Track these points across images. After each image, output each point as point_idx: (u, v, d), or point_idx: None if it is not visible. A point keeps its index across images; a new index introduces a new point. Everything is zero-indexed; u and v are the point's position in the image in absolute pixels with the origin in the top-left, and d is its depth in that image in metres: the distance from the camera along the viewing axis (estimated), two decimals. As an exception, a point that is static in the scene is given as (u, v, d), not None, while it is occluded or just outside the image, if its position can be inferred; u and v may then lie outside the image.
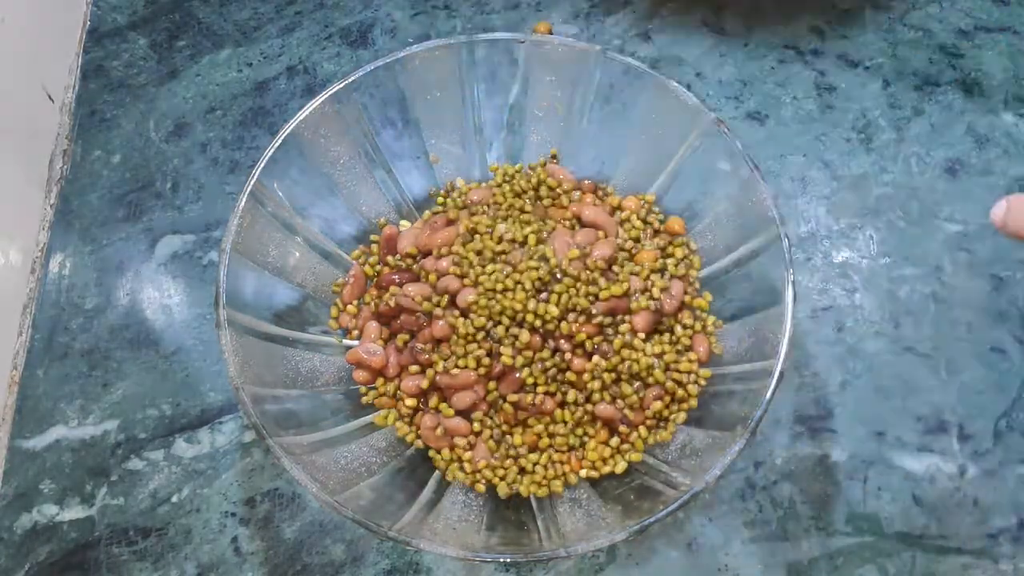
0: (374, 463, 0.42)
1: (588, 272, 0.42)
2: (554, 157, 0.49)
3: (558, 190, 0.47)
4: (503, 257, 0.43)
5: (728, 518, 0.44)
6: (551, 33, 0.58)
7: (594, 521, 0.39)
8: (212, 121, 0.57)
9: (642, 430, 0.42)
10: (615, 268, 0.44)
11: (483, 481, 0.42)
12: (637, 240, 0.46)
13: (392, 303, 0.44)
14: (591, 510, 0.40)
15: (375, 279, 0.47)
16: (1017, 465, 0.45)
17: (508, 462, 0.42)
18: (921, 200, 0.52)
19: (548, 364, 0.42)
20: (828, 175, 0.53)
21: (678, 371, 0.43)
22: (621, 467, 0.42)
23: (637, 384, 0.42)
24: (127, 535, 0.46)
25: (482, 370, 0.42)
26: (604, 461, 0.43)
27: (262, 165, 0.42)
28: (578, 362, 0.42)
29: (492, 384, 0.42)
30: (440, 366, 0.42)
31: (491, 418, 0.43)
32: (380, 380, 0.44)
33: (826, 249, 0.51)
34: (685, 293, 0.44)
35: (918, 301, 0.49)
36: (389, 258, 0.47)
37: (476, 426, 0.43)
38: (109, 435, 0.48)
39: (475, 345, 0.42)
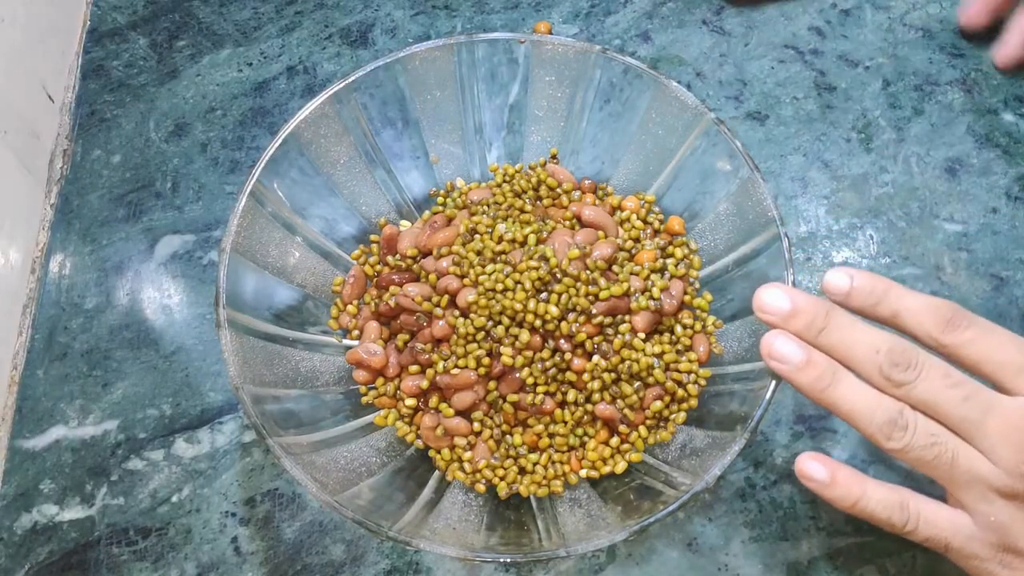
0: (374, 463, 0.42)
1: (588, 272, 0.42)
2: (554, 157, 0.49)
3: (558, 190, 0.47)
4: (503, 257, 0.43)
5: (728, 518, 0.44)
6: (551, 33, 0.58)
7: (594, 521, 0.39)
8: (212, 121, 0.57)
9: (642, 430, 0.42)
10: (615, 268, 0.44)
11: (483, 481, 0.42)
12: (637, 240, 0.46)
13: (392, 303, 0.44)
14: (591, 510, 0.40)
15: (375, 279, 0.47)
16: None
17: (508, 462, 0.42)
18: (921, 200, 0.52)
19: (548, 364, 0.42)
20: (828, 175, 0.53)
21: (678, 371, 0.43)
22: (621, 467, 0.42)
23: (637, 384, 0.42)
24: (127, 535, 0.46)
25: (482, 370, 0.42)
26: (604, 461, 0.43)
27: (262, 165, 0.42)
28: (578, 362, 0.42)
29: (492, 384, 0.42)
30: (440, 366, 0.42)
31: (491, 418, 0.43)
32: (380, 380, 0.44)
33: (826, 249, 0.51)
34: (685, 293, 0.44)
35: (918, 301, 0.49)
36: (389, 258, 0.47)
37: (476, 426, 0.43)
38: (109, 435, 0.48)
39: (475, 345, 0.42)
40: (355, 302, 0.46)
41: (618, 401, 0.42)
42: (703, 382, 0.43)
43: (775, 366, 0.34)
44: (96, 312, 0.51)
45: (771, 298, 0.34)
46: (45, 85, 0.57)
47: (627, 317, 0.42)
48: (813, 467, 0.34)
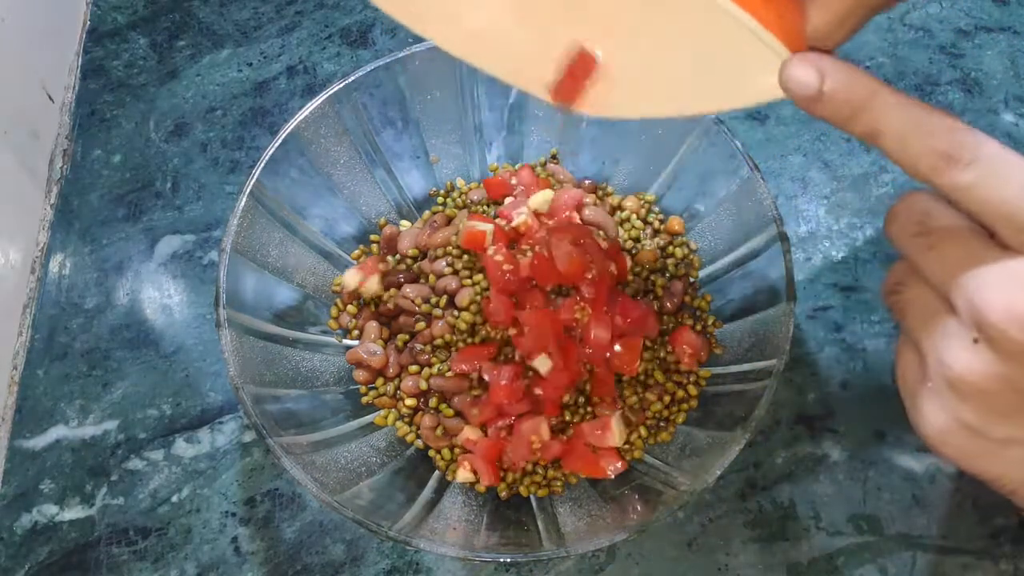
0: (374, 463, 0.42)
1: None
2: (554, 157, 0.49)
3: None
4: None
5: (728, 518, 0.44)
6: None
7: (594, 521, 0.39)
8: (212, 121, 0.57)
9: (642, 430, 0.42)
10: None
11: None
12: (637, 240, 0.46)
13: (391, 304, 0.44)
14: (591, 510, 0.40)
15: (375, 279, 0.47)
16: (1017, 465, 0.45)
17: (508, 462, 0.42)
18: (921, 200, 0.52)
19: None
20: (828, 175, 0.53)
21: (678, 371, 0.43)
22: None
23: (637, 384, 0.42)
24: (127, 535, 0.46)
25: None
26: (604, 461, 0.43)
27: (262, 165, 0.42)
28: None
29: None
30: (436, 368, 0.43)
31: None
32: (380, 380, 0.44)
33: (826, 249, 0.51)
34: (685, 293, 0.44)
35: (918, 301, 0.49)
36: (389, 258, 0.47)
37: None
38: (109, 435, 0.48)
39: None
40: (355, 302, 0.46)
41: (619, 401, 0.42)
42: (703, 382, 0.43)
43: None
44: (96, 312, 0.51)
45: (798, 72, 0.26)
46: (45, 85, 0.56)
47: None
48: (800, 71, 0.25)
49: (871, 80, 0.25)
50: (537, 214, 0.44)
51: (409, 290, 0.44)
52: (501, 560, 0.36)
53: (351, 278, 0.45)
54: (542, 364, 0.40)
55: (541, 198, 0.43)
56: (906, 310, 0.28)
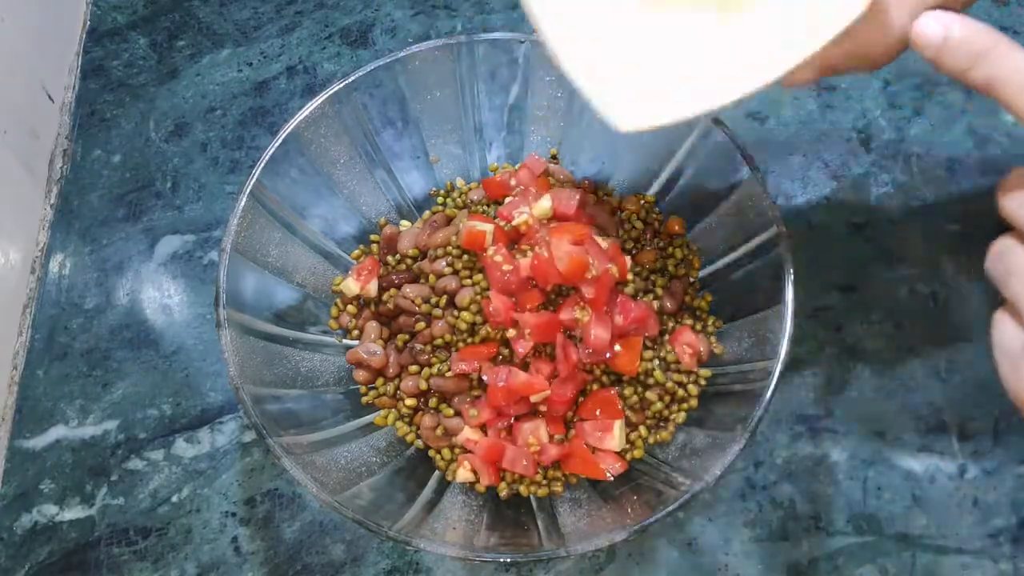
0: (374, 463, 0.42)
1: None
2: (554, 157, 0.49)
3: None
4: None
5: (728, 518, 0.44)
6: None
7: (594, 521, 0.39)
8: (212, 121, 0.57)
9: (642, 430, 0.42)
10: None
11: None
12: (637, 240, 0.46)
13: (391, 304, 0.44)
14: (591, 510, 0.40)
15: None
16: (1017, 465, 0.45)
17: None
18: (921, 200, 0.52)
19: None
20: (828, 175, 0.53)
21: (678, 371, 0.43)
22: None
23: (637, 384, 0.42)
24: (127, 535, 0.46)
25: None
26: (604, 461, 0.43)
27: (262, 165, 0.42)
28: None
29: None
30: (436, 368, 0.43)
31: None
32: (380, 380, 0.44)
33: (826, 249, 0.51)
34: (685, 293, 0.44)
35: (918, 301, 0.49)
36: (389, 258, 0.47)
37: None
38: (109, 435, 0.48)
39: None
40: (355, 302, 0.46)
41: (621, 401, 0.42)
42: (703, 382, 0.43)
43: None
44: (96, 312, 0.51)
45: (927, 26, 0.29)
46: (45, 85, 0.57)
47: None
48: (929, 26, 0.28)
49: (993, 33, 0.27)
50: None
51: (409, 290, 0.44)
52: (501, 560, 0.36)
53: (351, 286, 0.45)
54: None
55: (541, 208, 0.43)
56: (1011, 276, 0.29)
